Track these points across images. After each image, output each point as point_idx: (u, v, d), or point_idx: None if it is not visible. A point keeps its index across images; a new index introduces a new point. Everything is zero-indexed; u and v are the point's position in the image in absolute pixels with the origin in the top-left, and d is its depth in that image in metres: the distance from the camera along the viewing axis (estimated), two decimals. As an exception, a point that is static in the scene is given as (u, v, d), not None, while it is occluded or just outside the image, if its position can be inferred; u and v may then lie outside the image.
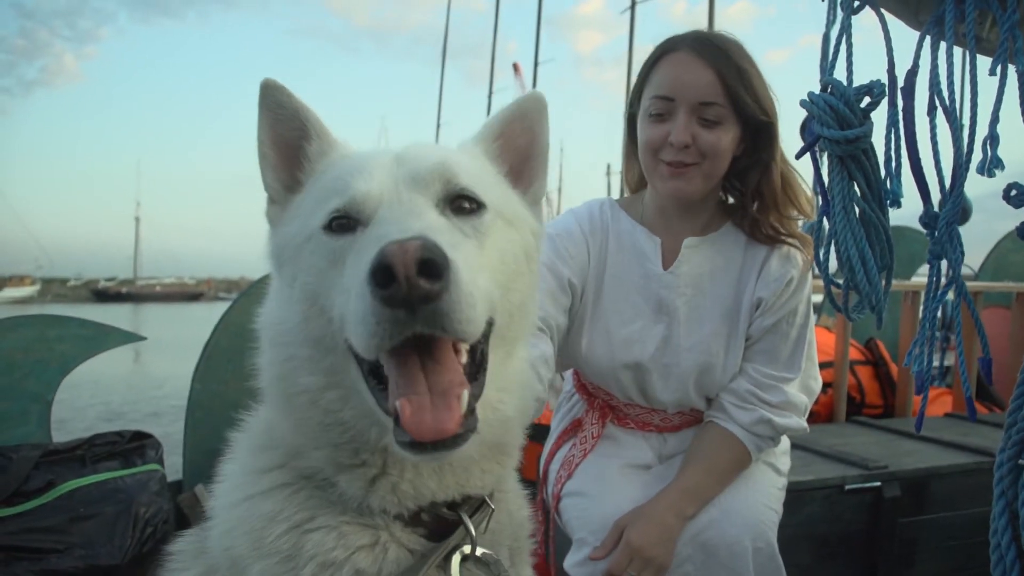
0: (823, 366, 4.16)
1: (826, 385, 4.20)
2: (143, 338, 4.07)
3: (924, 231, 1.67)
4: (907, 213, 1.73)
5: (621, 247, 2.11)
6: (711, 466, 2.01)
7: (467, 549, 1.10)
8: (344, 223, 1.06)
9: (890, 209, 1.85)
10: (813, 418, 4.04)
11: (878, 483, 2.84)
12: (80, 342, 3.73)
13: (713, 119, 1.88)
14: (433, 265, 0.84)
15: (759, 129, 1.94)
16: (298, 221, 1.14)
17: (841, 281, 1.84)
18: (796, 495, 2.70)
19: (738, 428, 2.02)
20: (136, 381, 15.22)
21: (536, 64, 39.92)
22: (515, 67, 47.85)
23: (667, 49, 1.95)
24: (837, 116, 1.65)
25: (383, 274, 0.84)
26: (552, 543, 2.32)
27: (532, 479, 2.38)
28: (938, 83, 1.70)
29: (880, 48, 1.76)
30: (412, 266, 0.83)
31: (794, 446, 3.18)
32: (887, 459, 3.00)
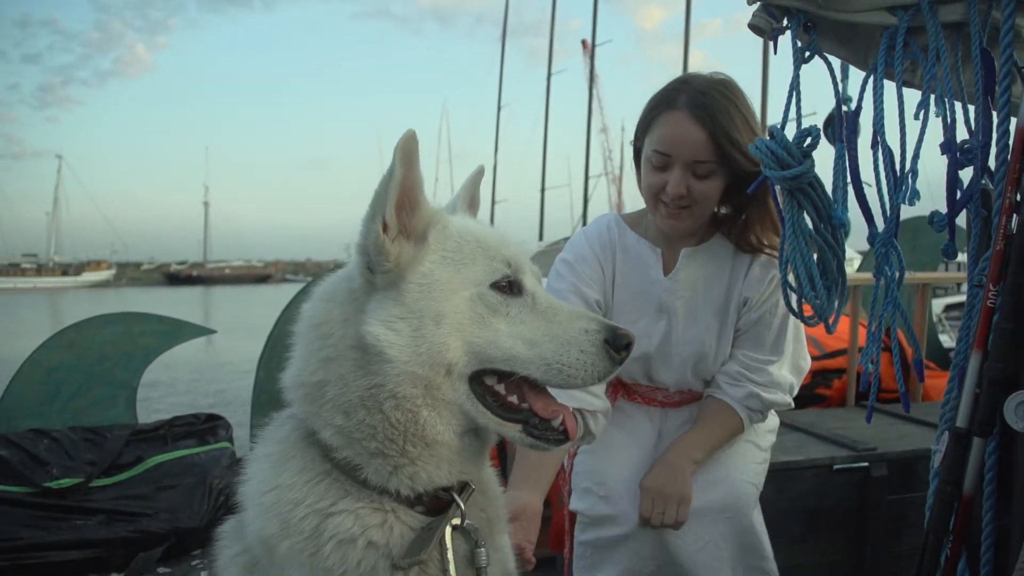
0: (839, 353, 4.44)
1: (841, 371, 4.47)
2: (213, 331, 4.58)
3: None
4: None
5: (627, 259, 2.44)
6: (713, 425, 2.37)
7: (456, 521, 1.44)
8: (505, 286, 1.42)
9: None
10: (825, 403, 4.34)
11: (866, 463, 3.12)
12: (160, 336, 4.26)
13: (704, 173, 2.17)
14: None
15: (748, 173, 2.19)
16: (447, 270, 1.38)
17: (796, 296, 2.16)
18: (788, 473, 3.01)
19: (732, 400, 2.36)
20: (208, 364, 16.01)
21: (594, 45, 39.74)
22: (584, 44, 47.27)
23: (667, 105, 2.21)
24: (778, 159, 1.94)
25: (627, 347, 1.40)
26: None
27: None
28: (881, 122, 1.99)
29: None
30: None
31: (794, 428, 3.49)
32: (880, 442, 3.27)
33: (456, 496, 1.44)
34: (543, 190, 43.12)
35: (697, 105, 2.15)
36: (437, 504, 1.43)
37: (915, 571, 1.82)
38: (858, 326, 4.30)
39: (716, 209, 2.37)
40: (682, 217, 2.23)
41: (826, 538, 3.12)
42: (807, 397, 4.34)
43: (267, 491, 1.42)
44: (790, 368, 2.42)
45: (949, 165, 1.87)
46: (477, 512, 1.51)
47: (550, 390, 1.47)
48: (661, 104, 2.23)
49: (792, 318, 2.36)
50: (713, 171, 2.17)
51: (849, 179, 2.02)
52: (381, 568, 1.35)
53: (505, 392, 1.41)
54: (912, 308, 4.53)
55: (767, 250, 2.34)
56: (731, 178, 2.22)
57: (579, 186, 40.98)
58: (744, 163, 2.15)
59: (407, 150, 1.32)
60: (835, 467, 3.09)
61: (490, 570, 1.45)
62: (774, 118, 2.11)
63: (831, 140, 2.07)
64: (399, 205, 1.36)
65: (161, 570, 3.32)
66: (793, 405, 2.46)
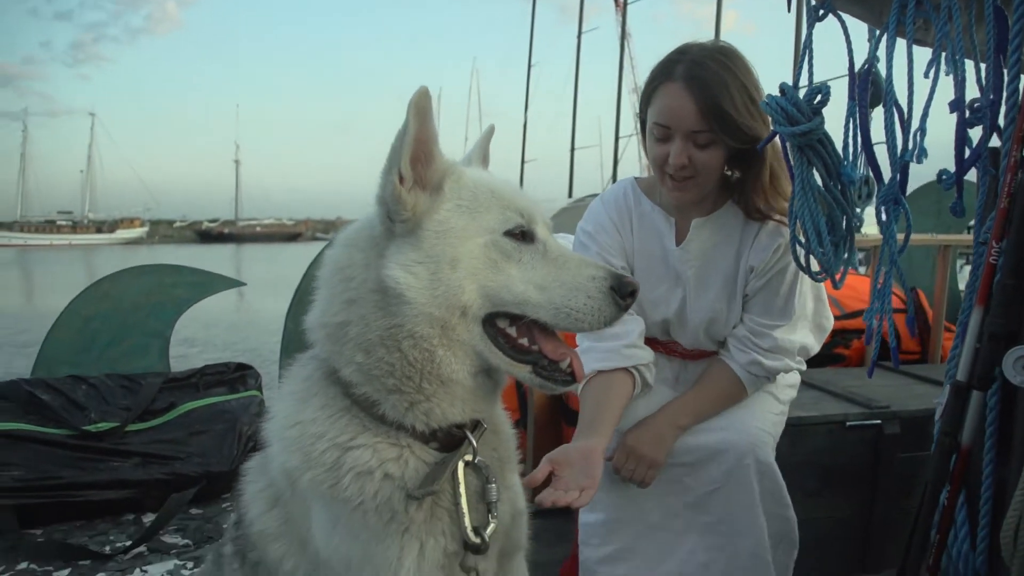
0: (859, 313, 4.46)
1: (860, 331, 4.48)
2: (243, 283, 4.70)
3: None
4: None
5: (643, 226, 2.49)
6: (708, 390, 2.44)
7: (468, 457, 1.53)
8: (519, 234, 1.50)
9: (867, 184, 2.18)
10: (844, 362, 4.37)
11: (878, 421, 3.16)
12: (192, 287, 4.40)
13: (704, 143, 2.19)
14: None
15: (750, 139, 2.21)
16: (463, 218, 1.46)
17: (804, 249, 2.20)
18: (801, 428, 3.05)
19: (736, 365, 2.42)
20: (243, 321, 16.26)
21: (626, 3, 39.03)
22: (616, 1, 46.36)
23: (665, 76, 2.23)
24: (787, 115, 1.97)
25: (632, 295, 1.47)
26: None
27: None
28: (891, 80, 2.01)
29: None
30: None
31: (810, 385, 3.53)
32: (893, 400, 3.30)
33: (468, 433, 1.52)
34: (573, 150, 42.64)
35: (692, 76, 2.16)
36: (450, 440, 1.51)
37: (913, 517, 1.89)
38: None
39: (729, 173, 2.41)
40: (687, 188, 2.27)
41: (840, 493, 3.17)
42: (825, 356, 4.36)
43: (291, 426, 1.52)
44: (812, 328, 2.47)
45: (958, 124, 1.89)
46: (489, 451, 1.59)
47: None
48: (660, 75, 2.25)
49: (806, 281, 2.40)
50: (713, 140, 2.18)
51: (860, 136, 2.06)
52: (396, 499, 1.44)
53: (516, 335, 1.48)
54: (935, 270, 4.51)
55: (776, 216, 2.37)
56: (733, 146, 2.24)
57: (609, 147, 40.35)
58: (736, 139, 2.17)
59: (420, 106, 1.39)
60: (848, 424, 3.14)
61: (500, 506, 1.53)
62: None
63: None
64: (414, 158, 1.43)
65: (193, 511, 3.48)
66: (804, 367, 2.50)
